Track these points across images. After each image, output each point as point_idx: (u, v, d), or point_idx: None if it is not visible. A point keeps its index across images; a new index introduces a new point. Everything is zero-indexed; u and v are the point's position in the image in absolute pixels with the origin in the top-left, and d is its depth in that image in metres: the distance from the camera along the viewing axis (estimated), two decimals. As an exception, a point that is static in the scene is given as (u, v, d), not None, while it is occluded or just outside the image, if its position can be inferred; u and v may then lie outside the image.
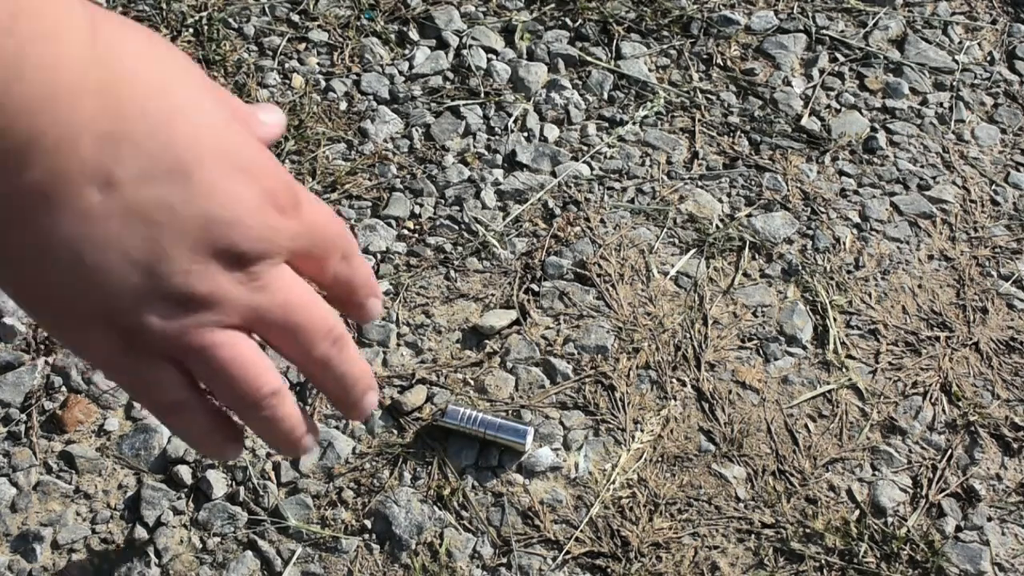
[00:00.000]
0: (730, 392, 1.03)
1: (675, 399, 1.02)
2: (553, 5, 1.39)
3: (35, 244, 0.35)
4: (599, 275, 1.11)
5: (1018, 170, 1.27)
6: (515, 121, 1.25)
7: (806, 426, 1.01)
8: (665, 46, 1.36)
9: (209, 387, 0.42)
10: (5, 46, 0.30)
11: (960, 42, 1.42)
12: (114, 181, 0.34)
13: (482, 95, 1.27)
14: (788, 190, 1.21)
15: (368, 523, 0.92)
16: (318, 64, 1.28)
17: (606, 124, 1.26)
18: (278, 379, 0.42)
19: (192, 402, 0.42)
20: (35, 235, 0.34)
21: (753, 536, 0.94)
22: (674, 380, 1.04)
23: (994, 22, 1.46)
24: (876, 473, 0.99)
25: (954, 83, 1.36)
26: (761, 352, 1.07)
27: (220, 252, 0.37)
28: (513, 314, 1.07)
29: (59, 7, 0.33)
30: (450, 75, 1.29)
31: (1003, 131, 1.32)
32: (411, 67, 1.29)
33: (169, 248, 0.36)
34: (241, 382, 0.42)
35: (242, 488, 0.93)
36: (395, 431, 0.97)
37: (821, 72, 1.35)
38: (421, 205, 1.15)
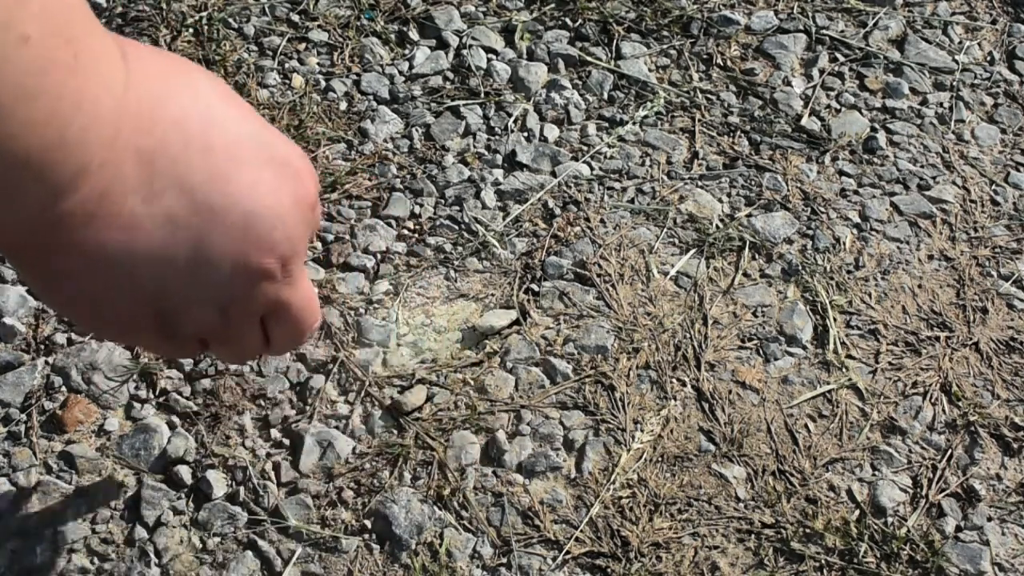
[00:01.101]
0: (730, 392, 1.03)
1: (675, 399, 1.02)
2: (553, 5, 1.39)
3: (83, 259, 0.36)
4: (599, 275, 1.11)
5: (1018, 170, 1.27)
6: (515, 121, 1.25)
7: (806, 426, 1.01)
8: (665, 46, 1.36)
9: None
10: (70, 85, 0.31)
11: (960, 42, 1.42)
12: (155, 191, 0.35)
13: (482, 95, 1.27)
14: (788, 190, 1.21)
15: (368, 523, 0.92)
16: (318, 64, 1.28)
17: (606, 124, 1.26)
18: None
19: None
20: (83, 251, 0.35)
21: (753, 536, 0.94)
22: (674, 380, 1.04)
23: (994, 22, 1.46)
24: (876, 473, 0.99)
25: (954, 83, 1.36)
26: (761, 352, 1.07)
27: (264, 250, 0.38)
28: (513, 314, 1.07)
29: (101, 40, 0.34)
30: (450, 75, 1.29)
31: (1003, 131, 1.32)
32: (411, 67, 1.29)
33: (214, 252, 0.37)
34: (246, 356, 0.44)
35: (242, 488, 0.93)
36: (395, 431, 0.97)
37: (821, 72, 1.35)
38: (421, 205, 1.15)
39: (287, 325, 0.44)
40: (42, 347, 1.00)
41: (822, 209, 1.20)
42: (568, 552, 0.92)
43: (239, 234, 0.37)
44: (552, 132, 1.24)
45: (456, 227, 1.14)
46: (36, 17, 0.29)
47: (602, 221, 1.16)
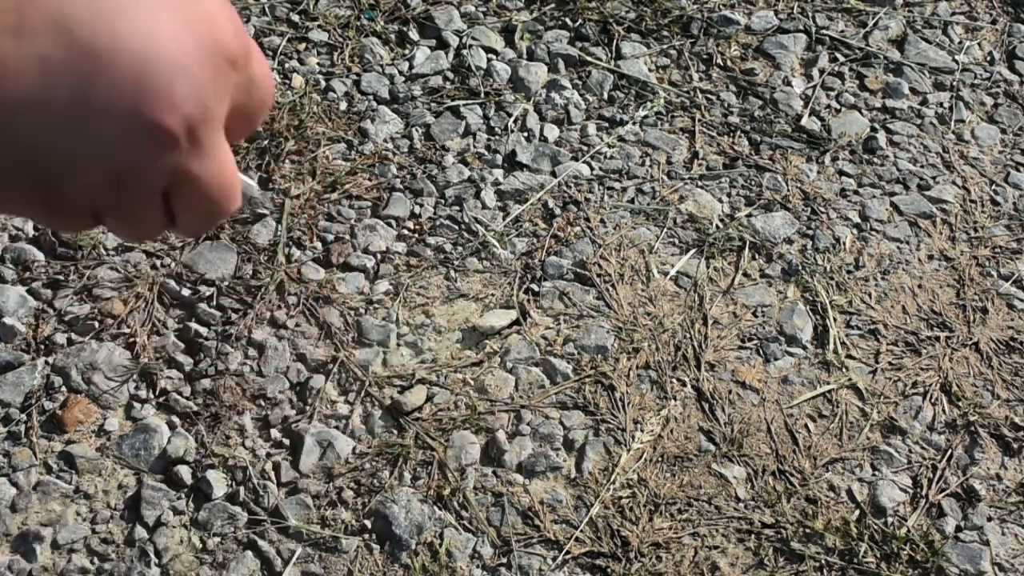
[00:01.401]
0: (730, 392, 1.03)
1: (675, 399, 1.02)
2: (553, 5, 1.39)
3: None
4: (599, 275, 1.11)
5: (1018, 170, 1.27)
6: (515, 121, 1.25)
7: (806, 426, 1.01)
8: (665, 46, 1.36)
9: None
10: None
11: (960, 42, 1.42)
12: (27, 26, 0.29)
13: (482, 95, 1.27)
14: (788, 190, 1.21)
15: (368, 523, 0.92)
16: (318, 64, 1.28)
17: (606, 124, 1.26)
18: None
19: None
20: None
21: (753, 536, 0.94)
22: (674, 380, 1.04)
23: (994, 22, 1.46)
24: (876, 473, 0.99)
25: (954, 83, 1.36)
26: (761, 352, 1.07)
27: (159, 107, 0.31)
28: (513, 314, 1.07)
29: None
30: (450, 75, 1.29)
31: (1003, 131, 1.32)
32: (411, 67, 1.29)
33: (100, 109, 0.30)
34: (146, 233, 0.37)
35: (242, 488, 0.93)
36: (395, 431, 0.97)
37: (821, 72, 1.35)
38: (421, 205, 1.15)
39: (195, 203, 0.35)
40: (42, 347, 1.00)
41: (822, 209, 1.20)
42: (568, 552, 0.92)
43: (129, 85, 0.30)
44: (552, 132, 1.24)
45: (456, 227, 1.14)
46: None
47: (602, 221, 1.16)
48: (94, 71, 0.30)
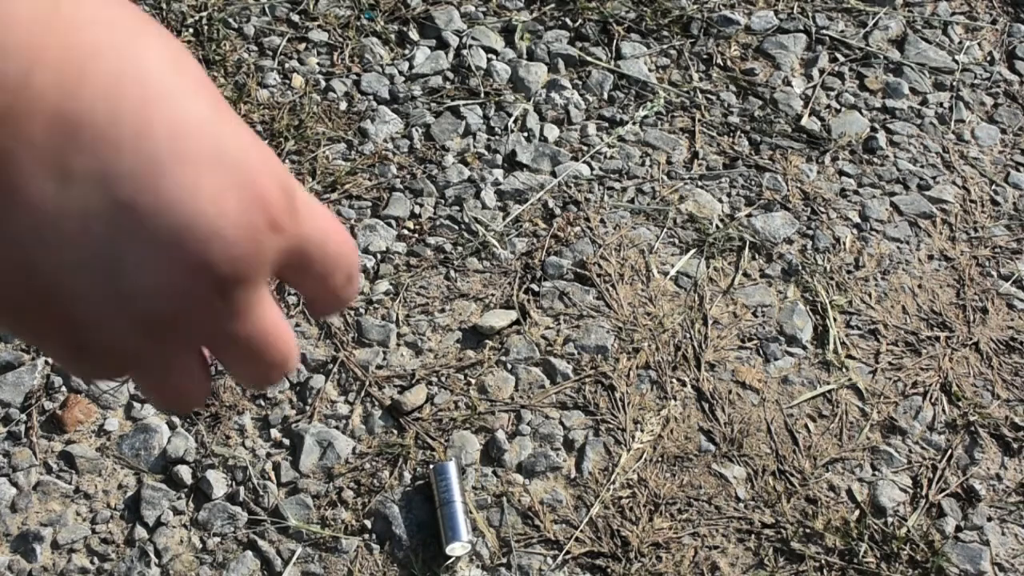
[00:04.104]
0: (730, 392, 1.03)
1: (675, 399, 1.02)
2: (553, 5, 1.39)
3: None
4: (599, 275, 1.10)
5: (1018, 170, 1.27)
6: (515, 121, 1.25)
7: (806, 426, 1.01)
8: (665, 46, 1.36)
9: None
10: None
11: (960, 42, 1.42)
12: (70, 174, 0.29)
13: (482, 95, 1.27)
14: (788, 190, 1.21)
15: (368, 523, 0.92)
16: (318, 64, 1.28)
17: (606, 124, 1.26)
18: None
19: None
20: None
21: (753, 536, 0.94)
22: (674, 380, 1.04)
23: (994, 22, 1.46)
24: (876, 473, 0.99)
25: (954, 83, 1.36)
26: (761, 352, 1.07)
27: (194, 269, 0.31)
28: (513, 314, 1.07)
29: None
30: (450, 75, 1.29)
31: (1003, 131, 1.32)
32: (411, 67, 1.29)
33: (133, 262, 0.31)
34: (191, 400, 0.36)
35: (242, 488, 0.93)
36: (395, 431, 0.97)
37: (821, 72, 1.35)
38: (421, 205, 1.15)
39: (236, 362, 0.36)
40: (42, 347, 1.00)
41: (822, 209, 1.20)
42: (568, 552, 0.92)
43: (165, 247, 0.31)
44: (552, 132, 1.24)
45: (456, 227, 1.14)
46: None
47: (602, 221, 1.16)
48: (132, 226, 0.30)
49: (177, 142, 0.30)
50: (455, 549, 0.89)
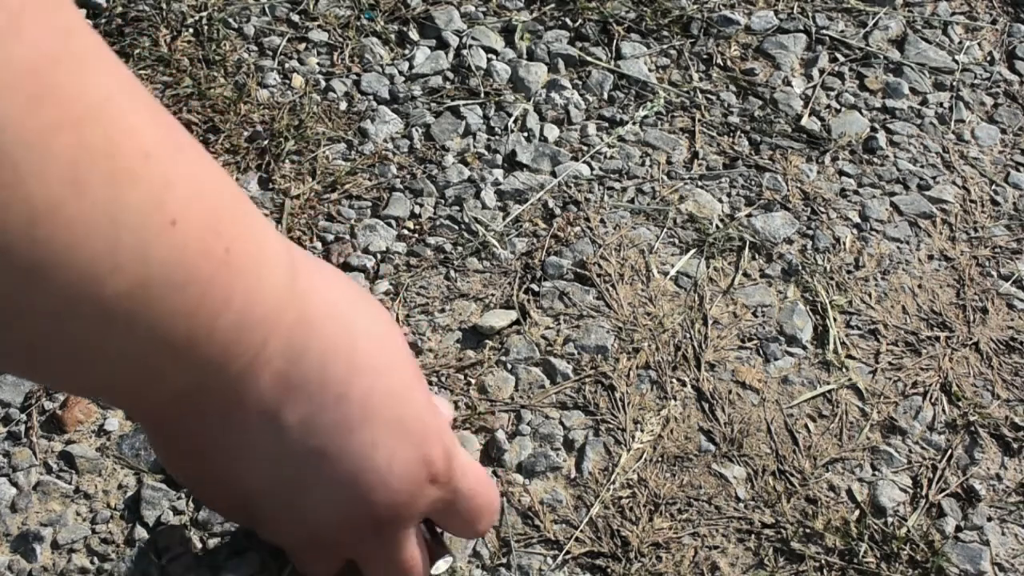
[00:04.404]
0: (730, 392, 1.03)
1: (675, 399, 1.02)
2: (553, 5, 1.39)
3: (200, 444, 0.37)
4: (599, 275, 1.11)
5: (1018, 170, 1.27)
6: (515, 121, 1.25)
7: (806, 426, 1.01)
8: (665, 46, 1.36)
9: None
10: (220, 277, 0.30)
11: (960, 42, 1.42)
12: (280, 421, 0.35)
13: (482, 95, 1.27)
14: (788, 190, 1.21)
15: (368, 523, 0.92)
16: (318, 64, 1.28)
17: (606, 124, 1.26)
18: None
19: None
20: (199, 440, 0.36)
21: (753, 536, 0.94)
22: (674, 380, 1.04)
23: (994, 22, 1.46)
24: (876, 473, 0.99)
25: (954, 83, 1.36)
26: (761, 352, 1.07)
27: (360, 508, 0.38)
28: (513, 314, 1.07)
29: (266, 241, 0.33)
30: (450, 75, 1.29)
31: (1003, 131, 1.32)
32: (411, 67, 1.29)
33: (314, 495, 0.37)
34: None
35: (242, 488, 0.93)
36: (395, 431, 0.97)
37: (821, 72, 1.35)
38: (421, 205, 1.15)
39: (382, 571, 0.45)
40: (42, 347, 1.00)
41: (822, 209, 1.20)
42: (568, 552, 0.92)
43: (340, 487, 0.37)
44: (552, 132, 1.24)
45: (456, 227, 1.14)
46: (184, 202, 0.28)
47: (602, 221, 1.16)
48: (318, 465, 0.37)
49: (367, 408, 0.37)
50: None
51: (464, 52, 1.31)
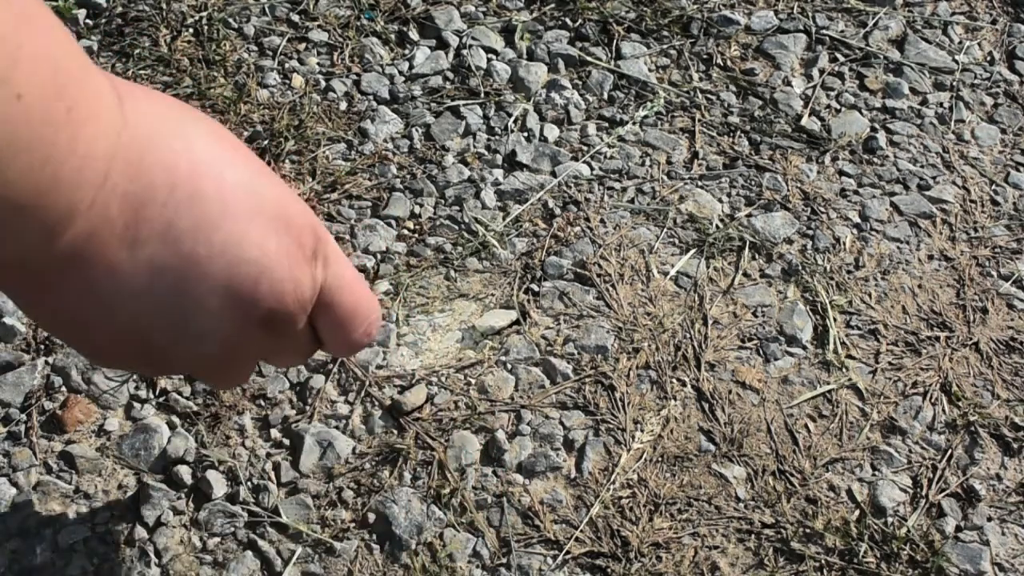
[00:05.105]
0: (730, 392, 1.03)
1: (675, 399, 1.02)
2: (553, 5, 1.39)
3: (71, 297, 0.36)
4: (599, 275, 1.11)
5: (1018, 170, 1.27)
6: (515, 121, 1.25)
7: (806, 426, 1.01)
8: (665, 46, 1.36)
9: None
10: (61, 138, 0.32)
11: (960, 42, 1.42)
12: (139, 239, 0.35)
13: (482, 95, 1.27)
14: (788, 190, 1.21)
15: (368, 523, 0.92)
16: (318, 64, 1.28)
17: (606, 124, 1.26)
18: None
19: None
20: (70, 289, 0.36)
21: (753, 536, 0.94)
22: (674, 380, 1.04)
23: (994, 22, 1.46)
24: (876, 473, 0.99)
25: (954, 83, 1.36)
26: (761, 352, 1.07)
27: (246, 304, 0.37)
28: (513, 314, 1.07)
29: (99, 91, 0.34)
30: (450, 75, 1.29)
31: (1003, 131, 1.32)
32: (411, 67, 1.29)
33: (196, 303, 0.36)
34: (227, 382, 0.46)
35: (242, 488, 0.93)
36: (395, 431, 0.97)
37: (821, 72, 1.35)
38: (421, 205, 1.15)
39: (285, 362, 0.45)
40: (42, 347, 1.00)
41: (822, 209, 1.20)
42: (568, 552, 0.92)
43: (222, 286, 0.37)
44: (552, 132, 1.24)
45: (456, 227, 1.14)
46: (30, 75, 0.30)
47: (602, 221, 1.16)
48: (194, 273, 0.36)
49: (224, 201, 0.36)
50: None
51: (464, 52, 1.31)
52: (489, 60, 1.31)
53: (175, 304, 0.36)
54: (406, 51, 1.31)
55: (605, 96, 1.29)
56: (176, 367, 0.40)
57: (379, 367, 1.02)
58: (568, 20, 1.37)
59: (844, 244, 1.17)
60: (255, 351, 0.41)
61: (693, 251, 1.14)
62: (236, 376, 0.45)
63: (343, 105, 1.24)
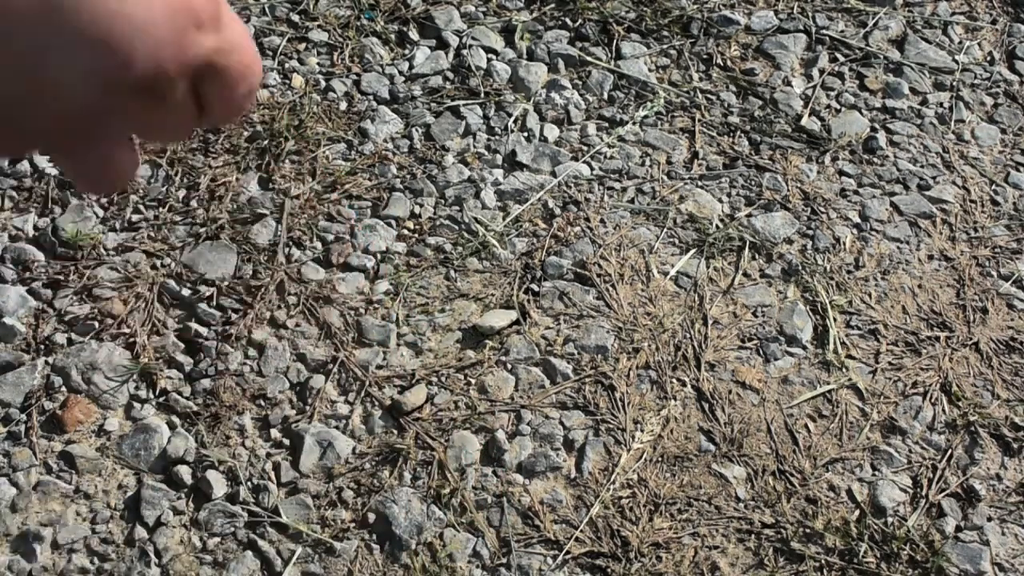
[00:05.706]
0: (730, 392, 1.03)
1: (675, 399, 1.02)
2: (553, 5, 1.39)
3: None
4: (599, 275, 1.10)
5: (1018, 170, 1.27)
6: (515, 121, 1.25)
7: (806, 426, 1.01)
8: (665, 46, 1.36)
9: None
10: None
11: (960, 42, 1.42)
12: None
13: (482, 95, 1.27)
14: (788, 190, 1.21)
15: (368, 523, 0.92)
16: (318, 64, 1.28)
17: (606, 124, 1.26)
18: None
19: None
20: None
21: (753, 536, 0.94)
22: (674, 380, 1.04)
23: (994, 22, 1.46)
24: (876, 473, 0.99)
25: (954, 83, 1.36)
26: (761, 352, 1.07)
27: (117, 64, 0.32)
28: (513, 314, 1.07)
29: None
30: (450, 75, 1.29)
31: (1003, 131, 1.32)
32: (411, 67, 1.29)
33: (57, 59, 0.31)
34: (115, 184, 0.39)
35: (242, 488, 0.93)
36: (395, 431, 0.97)
37: (821, 72, 1.35)
38: (421, 205, 1.15)
39: (156, 139, 0.38)
40: (42, 347, 1.00)
41: (822, 209, 1.20)
42: (568, 552, 0.92)
43: (89, 41, 0.31)
44: (552, 132, 1.24)
45: (456, 227, 1.14)
46: None
47: (602, 221, 1.16)
48: (56, 24, 0.31)
49: None
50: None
51: (464, 52, 1.31)
52: (489, 60, 1.31)
53: (33, 59, 0.31)
54: (406, 51, 1.31)
55: (605, 96, 1.29)
56: (33, 136, 0.35)
57: (379, 367, 1.02)
58: (568, 20, 1.37)
59: (844, 244, 1.17)
60: (127, 124, 0.36)
61: (693, 251, 1.14)
62: (106, 163, 0.38)
63: (343, 105, 1.24)
